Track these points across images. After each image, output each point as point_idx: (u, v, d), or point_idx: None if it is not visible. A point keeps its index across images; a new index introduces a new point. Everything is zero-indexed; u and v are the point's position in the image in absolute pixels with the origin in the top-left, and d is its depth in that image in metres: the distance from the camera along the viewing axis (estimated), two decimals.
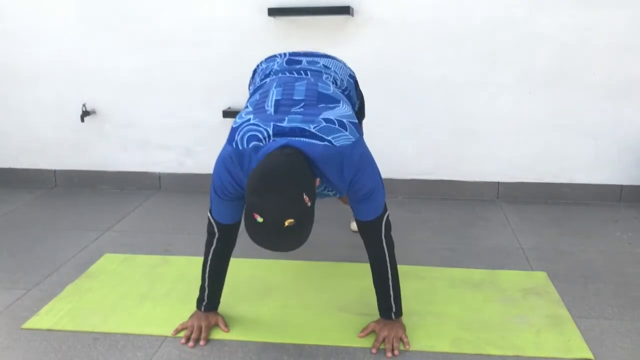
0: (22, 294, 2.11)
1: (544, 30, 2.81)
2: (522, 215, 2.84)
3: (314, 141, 1.55)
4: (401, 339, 1.76)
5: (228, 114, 3.05)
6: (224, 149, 1.66)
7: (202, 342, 1.78)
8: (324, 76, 1.88)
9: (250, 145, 1.57)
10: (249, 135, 1.59)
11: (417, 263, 2.31)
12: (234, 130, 1.63)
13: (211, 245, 1.82)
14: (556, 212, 2.90)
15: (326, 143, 1.56)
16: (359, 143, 1.63)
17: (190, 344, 1.77)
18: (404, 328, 1.80)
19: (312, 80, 1.81)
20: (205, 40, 3.04)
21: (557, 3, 2.77)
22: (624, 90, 2.85)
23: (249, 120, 1.62)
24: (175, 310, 1.96)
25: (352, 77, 2.10)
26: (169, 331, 1.84)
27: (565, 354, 1.71)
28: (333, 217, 2.74)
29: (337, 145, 1.57)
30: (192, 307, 1.89)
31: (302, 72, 1.89)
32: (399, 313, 1.80)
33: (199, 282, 1.87)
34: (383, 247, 1.75)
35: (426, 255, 2.38)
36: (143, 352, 1.75)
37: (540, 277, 2.18)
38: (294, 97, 1.69)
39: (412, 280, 2.17)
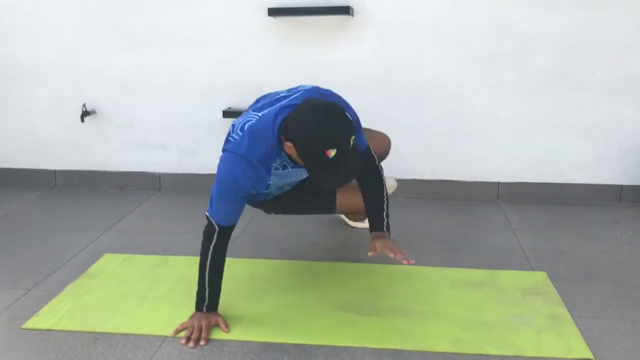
0: (22, 294, 2.11)
1: (544, 30, 2.81)
2: (522, 215, 2.84)
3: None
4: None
5: (228, 114, 3.05)
6: (234, 154, 1.79)
7: (202, 342, 1.78)
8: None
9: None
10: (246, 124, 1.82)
11: (417, 263, 2.28)
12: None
13: (210, 244, 1.84)
14: (556, 212, 2.90)
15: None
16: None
17: (191, 344, 1.77)
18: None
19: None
20: (205, 40, 3.04)
21: (557, 3, 2.78)
22: (624, 90, 2.85)
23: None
24: (175, 310, 1.96)
25: None
26: (169, 331, 1.84)
27: (565, 354, 1.71)
28: (333, 218, 2.74)
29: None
30: (192, 307, 1.90)
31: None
32: (389, 228, 1.99)
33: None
34: (380, 174, 2.01)
35: (426, 255, 2.38)
36: (143, 352, 1.75)
37: (540, 277, 2.18)
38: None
39: (412, 280, 2.17)
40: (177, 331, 1.84)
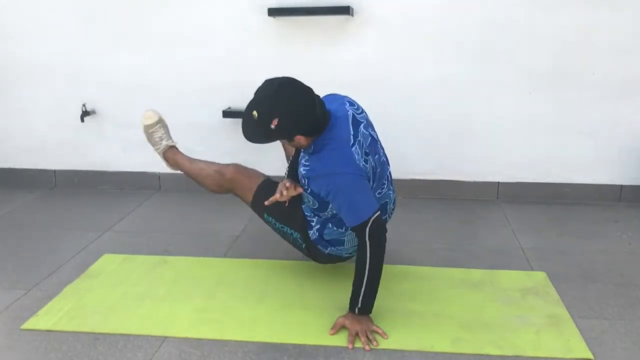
0: (22, 294, 2.11)
1: (544, 30, 2.81)
2: (522, 215, 2.84)
3: (349, 127, 1.87)
4: (375, 332, 1.80)
5: (228, 114, 3.05)
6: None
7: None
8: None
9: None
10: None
11: (417, 263, 2.31)
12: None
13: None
14: (556, 212, 2.90)
15: (350, 140, 1.83)
16: (348, 179, 1.80)
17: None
18: (372, 320, 1.84)
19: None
20: (205, 40, 3.04)
21: (557, 3, 2.77)
22: (624, 90, 2.85)
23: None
24: (175, 310, 1.96)
25: None
26: (169, 331, 1.84)
27: (565, 354, 1.71)
28: None
29: (346, 152, 1.81)
30: (192, 306, 1.90)
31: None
32: (364, 311, 1.82)
33: (200, 280, 1.86)
34: (366, 247, 1.77)
35: (426, 255, 2.39)
36: (143, 352, 1.75)
37: (540, 277, 2.18)
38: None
39: (412, 280, 2.17)
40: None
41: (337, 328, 1.82)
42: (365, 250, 1.77)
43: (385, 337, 1.79)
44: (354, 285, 1.81)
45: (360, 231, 1.77)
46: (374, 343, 1.75)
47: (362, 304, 1.80)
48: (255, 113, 1.75)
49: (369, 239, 1.76)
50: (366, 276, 1.77)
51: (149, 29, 3.07)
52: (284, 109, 1.75)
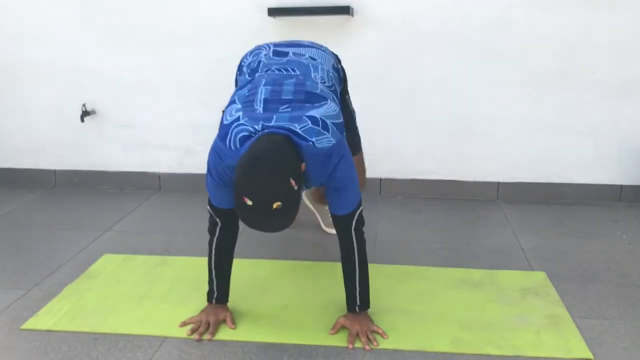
0: (22, 294, 2.11)
1: (544, 30, 2.81)
2: (522, 215, 2.84)
3: (299, 140, 1.63)
4: (375, 332, 1.80)
5: None
6: (216, 143, 1.74)
7: (208, 336, 1.80)
8: (313, 74, 1.91)
9: (244, 145, 1.64)
10: (241, 136, 1.65)
11: (417, 263, 2.31)
12: (225, 127, 1.71)
13: (214, 235, 1.86)
14: (556, 212, 2.90)
15: (310, 143, 1.63)
16: (340, 144, 1.70)
17: (196, 336, 1.79)
18: (372, 320, 1.84)
19: (300, 78, 1.85)
20: (205, 40, 3.04)
21: (557, 3, 2.77)
22: (624, 90, 2.85)
23: (238, 118, 1.69)
24: (175, 311, 1.96)
25: (335, 67, 2.11)
26: (169, 331, 1.84)
27: (565, 354, 1.71)
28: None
29: (319, 147, 1.63)
30: (192, 307, 1.90)
31: (289, 69, 1.92)
32: (364, 307, 1.83)
33: (200, 281, 1.87)
34: (353, 241, 1.79)
35: (426, 255, 2.38)
36: (143, 352, 1.75)
37: (539, 277, 2.18)
38: (282, 97, 1.75)
39: (412, 280, 2.17)
40: (185, 324, 1.86)
41: (337, 328, 1.83)
42: (352, 244, 1.79)
43: (385, 337, 1.79)
44: (347, 285, 1.83)
45: (349, 219, 1.78)
46: (374, 343, 1.76)
47: (361, 300, 1.82)
48: (278, 204, 1.47)
49: (354, 230, 1.78)
50: (357, 272, 1.80)
51: (149, 29, 3.07)
52: (284, 168, 1.53)
